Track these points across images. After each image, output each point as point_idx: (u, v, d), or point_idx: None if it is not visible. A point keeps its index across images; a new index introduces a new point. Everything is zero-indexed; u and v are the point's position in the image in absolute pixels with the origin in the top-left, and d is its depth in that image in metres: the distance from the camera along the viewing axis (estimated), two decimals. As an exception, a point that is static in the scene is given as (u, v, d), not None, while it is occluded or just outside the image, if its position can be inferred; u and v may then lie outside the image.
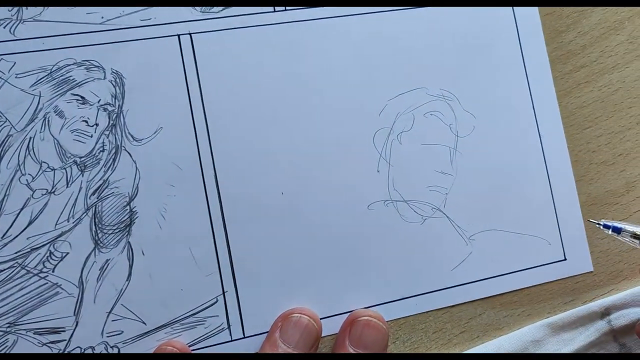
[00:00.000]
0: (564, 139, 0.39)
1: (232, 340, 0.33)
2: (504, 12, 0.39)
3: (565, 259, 0.37)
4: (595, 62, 0.40)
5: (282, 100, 0.35)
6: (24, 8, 0.33)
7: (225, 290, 0.33)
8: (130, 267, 0.32)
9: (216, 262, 0.33)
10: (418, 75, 0.37)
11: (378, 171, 0.36)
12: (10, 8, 0.33)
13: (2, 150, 0.32)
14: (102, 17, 0.34)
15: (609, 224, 0.34)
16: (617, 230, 0.33)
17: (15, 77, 0.32)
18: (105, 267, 0.32)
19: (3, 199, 0.31)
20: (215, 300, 0.33)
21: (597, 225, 0.34)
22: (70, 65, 0.33)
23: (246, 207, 0.34)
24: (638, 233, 0.32)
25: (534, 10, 0.40)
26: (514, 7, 0.39)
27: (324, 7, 0.37)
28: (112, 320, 0.32)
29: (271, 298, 0.34)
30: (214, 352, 0.33)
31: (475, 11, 0.39)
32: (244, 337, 0.33)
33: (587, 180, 0.39)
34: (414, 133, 0.37)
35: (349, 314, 0.34)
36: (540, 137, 0.39)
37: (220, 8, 0.35)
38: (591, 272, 0.38)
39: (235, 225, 0.34)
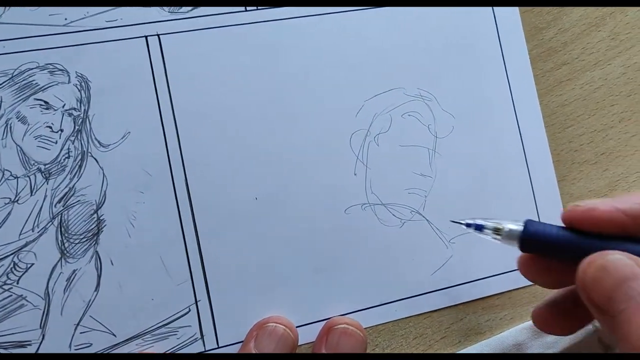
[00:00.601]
0: (545, 139, 0.38)
1: (205, 351, 0.32)
2: (483, 10, 0.38)
3: (548, 261, 0.37)
4: (577, 60, 0.39)
5: (254, 102, 0.34)
6: (-16, 10, 0.32)
7: (197, 300, 0.32)
8: (99, 277, 0.31)
9: (188, 271, 0.32)
10: (395, 75, 0.36)
11: (355, 174, 0.35)
12: (-31, 10, 0.32)
13: (-38, 158, 0.31)
14: (66, 19, 0.33)
15: (471, 222, 0.32)
16: (480, 228, 0.32)
17: (-24, 82, 0.31)
18: (72, 277, 0.31)
19: (-37, 209, 0.30)
20: (187, 309, 0.32)
21: (460, 225, 0.33)
22: (33, 69, 0.32)
23: (219, 214, 0.33)
24: (499, 227, 0.31)
25: (513, 8, 0.39)
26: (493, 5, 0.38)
27: (297, 7, 0.36)
28: (80, 333, 0.31)
29: (246, 306, 0.33)
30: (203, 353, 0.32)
31: (454, 10, 0.38)
32: (218, 347, 0.32)
33: (570, 180, 0.38)
34: (391, 134, 0.36)
35: (325, 321, 0.33)
36: (521, 136, 0.38)
37: (190, 8, 0.34)
38: (574, 274, 0.37)
39: (207, 232, 0.33)
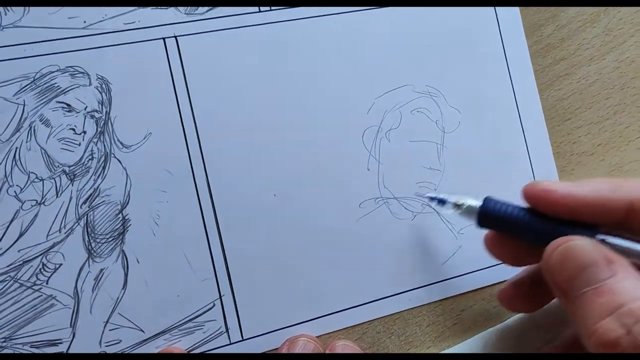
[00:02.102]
0: (545, 131, 0.40)
1: (230, 344, 0.33)
2: (485, 9, 0.40)
3: (551, 249, 0.39)
4: (574, 55, 0.41)
5: (271, 101, 0.35)
6: (2, 14, 0.32)
7: (222, 294, 0.33)
8: (126, 275, 0.32)
9: (212, 267, 0.33)
10: (404, 72, 0.38)
11: (368, 169, 0.36)
12: (-12, 14, 0.32)
13: (-13, 162, 0.31)
14: (85, 22, 0.33)
15: (434, 196, 0.34)
16: (442, 202, 0.34)
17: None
18: (100, 276, 0.32)
19: (-9, 211, 0.31)
20: (212, 304, 0.33)
21: (424, 199, 0.35)
22: (54, 72, 0.32)
23: (239, 210, 0.34)
24: (459, 203, 0.33)
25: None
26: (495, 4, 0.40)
27: (310, 7, 0.37)
28: (110, 330, 0.32)
29: (268, 299, 0.34)
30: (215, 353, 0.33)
31: (457, 8, 0.39)
32: (243, 340, 0.33)
33: (569, 171, 0.40)
34: (401, 130, 0.37)
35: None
36: (523, 129, 0.39)
37: (206, 9, 0.35)
38: (575, 260, 0.39)
39: (229, 229, 0.34)
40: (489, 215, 0.32)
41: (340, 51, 0.37)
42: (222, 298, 0.33)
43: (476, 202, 0.32)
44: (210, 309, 0.33)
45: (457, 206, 0.33)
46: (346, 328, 0.35)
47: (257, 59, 0.35)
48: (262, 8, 0.36)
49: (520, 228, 0.31)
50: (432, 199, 0.35)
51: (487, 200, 0.32)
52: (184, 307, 0.33)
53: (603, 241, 0.28)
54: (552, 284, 0.28)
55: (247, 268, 0.34)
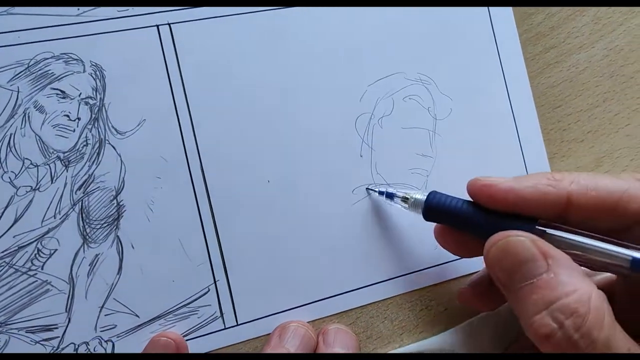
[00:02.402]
0: (536, 119, 0.40)
1: (225, 328, 0.33)
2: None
3: (541, 234, 0.39)
4: (563, 43, 0.42)
5: (264, 88, 0.35)
6: (-4, 1, 0.32)
7: (216, 279, 0.33)
8: (121, 260, 0.32)
9: (206, 252, 0.33)
10: (396, 60, 0.38)
11: (361, 156, 0.37)
12: (-19, 1, 0.32)
13: (-19, 148, 0.31)
14: (78, 9, 0.33)
15: (383, 190, 0.35)
16: (390, 196, 0.35)
17: (-8, 73, 0.32)
18: (95, 262, 0.32)
19: (-15, 197, 0.31)
20: (207, 289, 0.33)
21: (375, 193, 0.36)
22: (48, 58, 0.32)
23: (233, 196, 0.34)
24: (407, 196, 0.34)
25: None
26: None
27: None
28: (105, 315, 0.32)
29: (262, 285, 0.34)
30: (208, 341, 0.33)
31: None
32: (237, 325, 0.34)
33: (559, 158, 0.40)
34: (394, 117, 0.38)
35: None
36: (514, 116, 0.40)
37: (199, -3, 0.35)
38: (565, 245, 0.40)
39: (223, 215, 0.34)
40: (434, 209, 0.33)
41: (333, 39, 0.37)
42: (217, 283, 0.33)
43: (422, 196, 0.33)
44: (205, 294, 0.33)
45: (405, 200, 0.34)
46: (340, 313, 0.35)
47: (251, 47, 0.36)
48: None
49: (464, 221, 0.31)
50: (381, 193, 0.35)
51: (432, 194, 0.33)
52: (178, 292, 0.33)
53: (543, 233, 0.29)
54: (494, 278, 0.29)
55: (241, 254, 0.34)
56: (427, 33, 0.39)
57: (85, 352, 0.31)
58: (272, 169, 0.35)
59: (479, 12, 0.40)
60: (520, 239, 0.28)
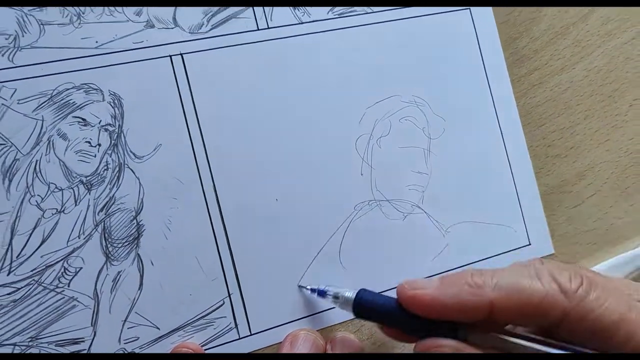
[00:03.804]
0: (522, 136, 0.43)
1: (240, 338, 0.36)
2: (465, 24, 0.43)
3: (530, 244, 0.42)
4: (546, 65, 0.45)
5: (271, 113, 0.38)
6: (20, 36, 0.34)
7: (230, 293, 0.36)
8: (141, 277, 0.34)
9: (220, 267, 0.36)
10: (392, 84, 0.41)
11: (362, 174, 0.39)
12: (7, 36, 0.34)
13: (10, 174, 0.33)
14: (97, 42, 0.35)
15: (315, 287, 0.36)
16: (322, 294, 0.36)
17: (18, 103, 0.34)
18: (117, 278, 0.34)
19: (15, 220, 0.33)
20: (222, 302, 0.36)
21: (307, 291, 0.37)
22: (69, 89, 0.35)
23: (244, 214, 0.37)
24: (337, 295, 0.34)
25: (491, 20, 0.44)
26: (474, 19, 0.43)
27: (304, 24, 0.39)
28: (128, 328, 0.34)
29: (273, 296, 0.37)
30: (225, 352, 0.35)
31: (438, 24, 0.42)
32: (251, 334, 0.36)
33: (545, 173, 0.43)
34: (391, 137, 0.40)
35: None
36: (502, 134, 0.43)
37: (208, 28, 0.38)
38: (552, 253, 0.43)
39: (235, 232, 0.36)
40: (363, 307, 0.33)
41: (334, 66, 0.40)
42: (231, 296, 0.36)
43: (351, 294, 0.33)
44: (220, 306, 0.36)
45: (336, 298, 0.35)
46: (345, 321, 0.38)
47: (257, 74, 0.38)
48: (260, 26, 0.39)
49: (392, 321, 0.32)
50: (313, 290, 0.36)
51: (360, 292, 0.33)
52: (196, 305, 0.35)
53: (466, 337, 0.30)
54: None
55: (253, 267, 0.36)
56: (421, 58, 0.42)
57: (111, 363, 0.33)
58: (280, 187, 0.38)
59: (467, 38, 0.43)
60: (444, 349, 0.30)
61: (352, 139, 0.40)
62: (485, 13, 0.44)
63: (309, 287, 0.37)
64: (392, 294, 0.38)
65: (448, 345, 0.30)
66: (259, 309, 0.36)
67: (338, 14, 0.40)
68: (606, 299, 0.28)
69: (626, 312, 0.27)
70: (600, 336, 0.28)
